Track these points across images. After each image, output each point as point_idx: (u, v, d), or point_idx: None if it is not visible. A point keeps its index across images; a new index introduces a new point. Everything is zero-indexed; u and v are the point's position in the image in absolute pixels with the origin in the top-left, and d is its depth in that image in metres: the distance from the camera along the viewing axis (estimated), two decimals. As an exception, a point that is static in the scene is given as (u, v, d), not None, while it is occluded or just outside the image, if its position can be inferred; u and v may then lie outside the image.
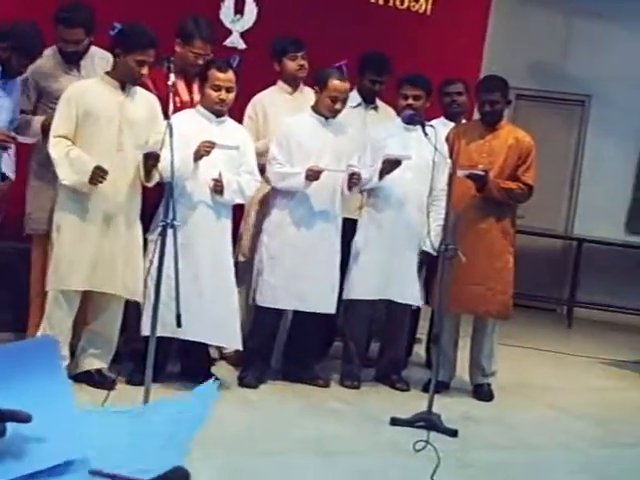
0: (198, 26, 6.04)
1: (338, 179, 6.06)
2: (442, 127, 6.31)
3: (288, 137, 6.06)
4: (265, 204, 6.25)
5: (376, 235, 6.25)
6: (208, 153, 5.54)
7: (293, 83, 6.49)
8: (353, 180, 5.98)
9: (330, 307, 6.12)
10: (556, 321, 10.56)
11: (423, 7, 8.16)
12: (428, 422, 5.33)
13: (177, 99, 5.86)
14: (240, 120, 6.21)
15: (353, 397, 6.07)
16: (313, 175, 5.89)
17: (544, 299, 10.88)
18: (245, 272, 6.22)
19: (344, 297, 6.27)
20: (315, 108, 6.11)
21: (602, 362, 8.25)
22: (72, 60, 5.73)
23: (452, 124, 6.72)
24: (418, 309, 6.57)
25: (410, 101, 6.25)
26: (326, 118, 6.09)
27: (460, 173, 5.88)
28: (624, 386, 7.52)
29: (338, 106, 6.04)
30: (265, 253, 6.07)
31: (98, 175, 5.22)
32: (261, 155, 6.09)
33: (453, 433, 5.35)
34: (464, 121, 6.88)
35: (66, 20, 5.60)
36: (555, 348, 8.60)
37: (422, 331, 7.13)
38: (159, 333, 4.92)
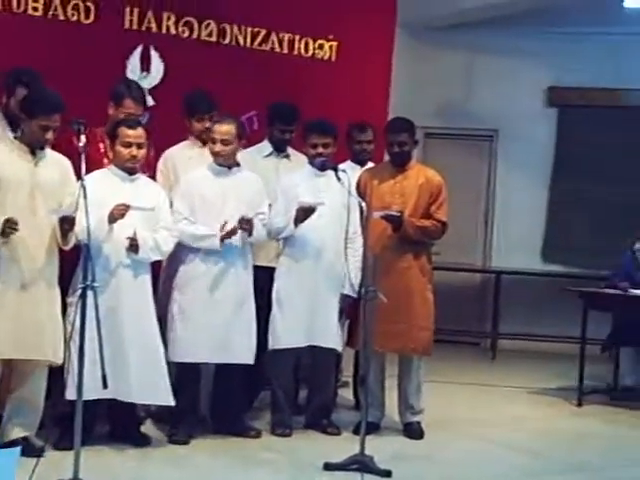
0: (129, 87, 6.21)
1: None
2: (351, 171, 6.38)
3: (190, 190, 6.07)
4: (173, 259, 6.23)
5: (296, 282, 6.26)
6: (122, 216, 5.53)
7: (203, 139, 6.51)
8: (243, 226, 5.94)
9: (248, 358, 6.09)
10: (480, 354, 10.67)
11: (328, 54, 8.25)
12: (361, 464, 5.34)
13: (106, 160, 5.94)
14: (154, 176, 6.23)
15: (285, 446, 6.05)
16: (227, 236, 5.91)
17: (467, 333, 11.00)
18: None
19: (270, 347, 6.27)
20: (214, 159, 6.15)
21: (528, 391, 8.34)
22: None
23: (359, 167, 6.81)
24: (340, 352, 6.59)
25: (320, 150, 6.29)
26: (229, 167, 6.11)
27: (376, 215, 5.96)
28: (551, 414, 7.62)
29: (217, 148, 6.04)
30: (176, 308, 6.04)
31: (8, 227, 5.14)
32: None
33: (387, 474, 5.36)
34: (371, 164, 6.95)
35: None
36: (481, 381, 8.69)
37: (348, 374, 7.15)
38: (85, 396, 4.87)
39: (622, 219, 10.82)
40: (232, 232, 5.90)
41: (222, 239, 5.89)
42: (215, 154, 6.07)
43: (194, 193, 6.05)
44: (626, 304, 8.07)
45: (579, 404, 7.82)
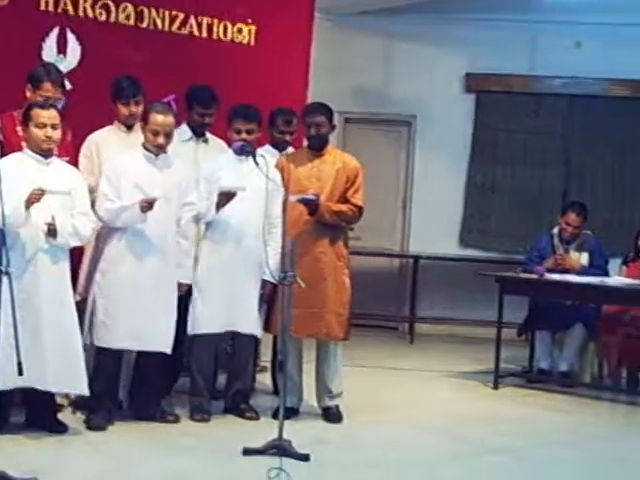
0: (47, 70, 6.12)
1: (171, 214, 6.04)
2: (270, 156, 6.39)
3: (118, 173, 6.01)
4: (99, 242, 6.17)
5: (217, 267, 6.24)
6: (38, 200, 5.45)
7: (128, 123, 6.46)
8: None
9: (166, 345, 6.06)
10: (398, 338, 10.75)
11: (247, 38, 8.21)
12: (280, 449, 5.35)
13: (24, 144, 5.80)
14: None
15: (203, 431, 6.05)
16: (147, 206, 5.86)
17: (385, 317, 11.08)
18: (82, 312, 6.12)
19: (189, 332, 6.25)
20: (144, 144, 6.09)
21: (446, 375, 8.43)
22: None
23: (278, 152, 6.82)
24: (258, 337, 6.59)
25: (244, 135, 6.27)
26: (155, 155, 6.07)
27: (292, 198, 5.98)
28: (469, 396, 7.70)
29: (160, 140, 6.01)
30: (98, 292, 6.00)
31: None
32: (92, 192, 6.03)
33: (305, 458, 5.38)
34: (291, 149, 6.96)
35: None
36: (399, 365, 8.76)
37: (266, 359, 7.16)
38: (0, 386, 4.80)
39: (538, 204, 11.01)
40: (153, 201, 5.84)
41: (143, 209, 5.83)
42: (158, 146, 6.02)
43: (121, 177, 6.00)
44: (541, 288, 8.20)
45: (496, 387, 7.92)
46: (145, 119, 6.07)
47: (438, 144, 11.08)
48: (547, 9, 10.63)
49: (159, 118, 6.00)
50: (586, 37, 10.77)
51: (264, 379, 7.30)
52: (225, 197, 6.06)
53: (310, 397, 6.61)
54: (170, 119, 6.05)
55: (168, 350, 6.07)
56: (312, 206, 6.22)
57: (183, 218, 6.11)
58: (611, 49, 10.64)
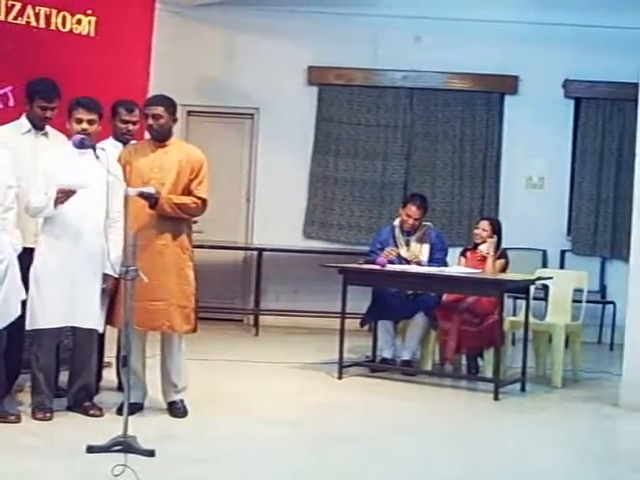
0: None
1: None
2: (112, 149, 6.32)
3: None
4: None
5: (56, 262, 6.12)
6: None
7: None
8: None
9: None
10: (244, 330, 10.77)
11: (87, 29, 8.08)
12: (124, 445, 5.31)
13: None
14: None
15: (46, 429, 5.93)
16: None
17: (230, 310, 11.10)
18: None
19: (27, 327, 6.13)
20: None
21: (291, 366, 8.49)
22: None
23: (121, 145, 6.74)
24: (103, 333, 6.52)
25: (85, 125, 6.18)
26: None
27: (131, 192, 5.94)
28: (314, 387, 7.77)
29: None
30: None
31: None
32: None
33: (150, 453, 5.35)
34: (134, 141, 6.89)
35: None
36: (245, 357, 8.79)
37: (110, 354, 7.07)
38: None
39: (380, 195, 11.19)
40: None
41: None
42: None
43: None
44: (383, 279, 8.33)
45: (340, 377, 8.03)
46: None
47: (281, 137, 11.15)
48: (388, 3, 10.81)
49: None
50: (425, 31, 10.99)
51: (108, 375, 7.21)
52: (64, 194, 5.96)
53: (155, 392, 6.57)
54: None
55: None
56: (152, 200, 6.18)
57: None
58: (450, 43, 10.90)
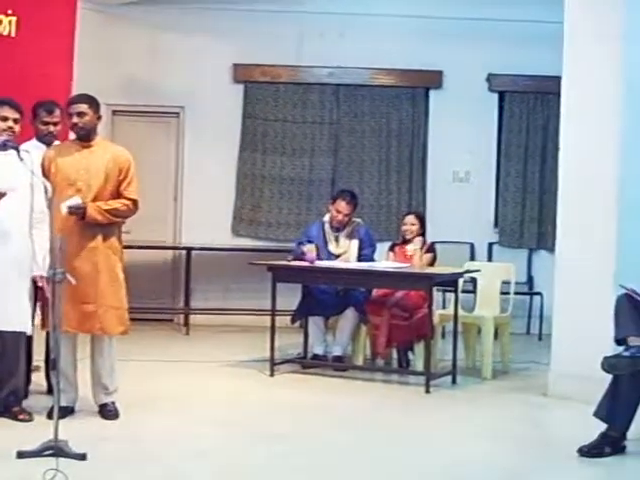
0: None
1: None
2: (36, 150, 6.24)
3: None
4: None
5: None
6: None
7: None
8: None
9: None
10: (174, 330, 10.72)
11: (7, 29, 7.99)
12: (56, 450, 5.24)
13: None
14: None
15: (-25, 436, 5.87)
16: None
17: (161, 310, 11.04)
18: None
19: (-48, 332, 6.04)
20: None
21: (223, 365, 8.47)
22: None
23: (45, 146, 6.66)
24: (31, 336, 6.44)
25: (10, 123, 6.11)
26: None
27: (63, 210, 5.93)
28: (246, 385, 7.76)
29: None
30: None
31: None
32: None
33: (82, 457, 5.29)
34: (57, 142, 6.81)
35: None
36: (176, 357, 8.75)
37: (40, 357, 6.99)
38: None
39: (308, 192, 11.21)
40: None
41: None
42: None
43: None
44: (312, 275, 8.33)
45: (272, 374, 8.02)
46: None
47: (208, 135, 11.13)
48: (312, 0, 10.83)
49: None
50: (350, 28, 11.03)
51: (38, 379, 7.13)
52: None
53: (86, 394, 6.50)
54: None
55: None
56: (81, 213, 6.12)
57: None
58: (375, 39, 10.95)
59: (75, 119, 6.28)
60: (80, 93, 6.57)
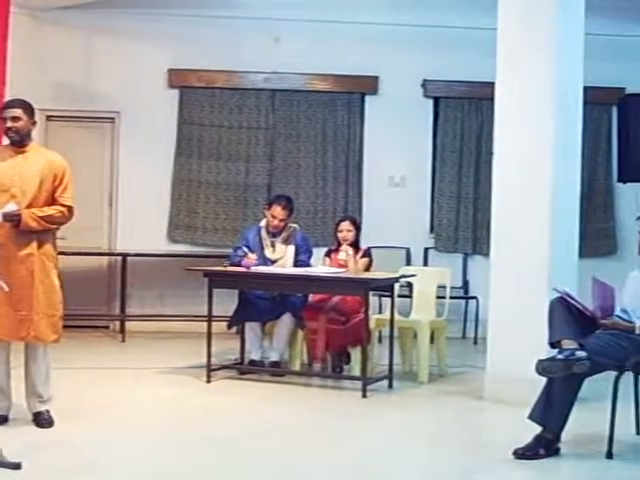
0: None
1: None
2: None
3: None
4: None
5: None
6: None
7: None
8: None
9: None
10: (110, 337, 10.64)
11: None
12: (-10, 459, 5.19)
13: None
14: None
15: None
16: None
17: (96, 317, 10.96)
18: None
19: None
20: None
21: (159, 371, 8.43)
22: None
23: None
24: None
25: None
26: None
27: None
28: (183, 392, 7.72)
29: None
30: None
31: None
32: None
33: (16, 466, 5.23)
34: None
35: None
36: (112, 364, 8.69)
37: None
38: None
39: (244, 197, 11.20)
40: None
41: None
42: None
43: None
44: (248, 281, 8.32)
45: (209, 380, 7.99)
46: None
47: (143, 140, 11.06)
48: (248, 5, 10.83)
49: None
50: (286, 33, 11.04)
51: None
52: None
53: (20, 402, 6.43)
54: None
55: None
56: (15, 220, 6.06)
57: None
58: (310, 45, 10.98)
59: (9, 123, 6.22)
60: (14, 98, 6.50)
